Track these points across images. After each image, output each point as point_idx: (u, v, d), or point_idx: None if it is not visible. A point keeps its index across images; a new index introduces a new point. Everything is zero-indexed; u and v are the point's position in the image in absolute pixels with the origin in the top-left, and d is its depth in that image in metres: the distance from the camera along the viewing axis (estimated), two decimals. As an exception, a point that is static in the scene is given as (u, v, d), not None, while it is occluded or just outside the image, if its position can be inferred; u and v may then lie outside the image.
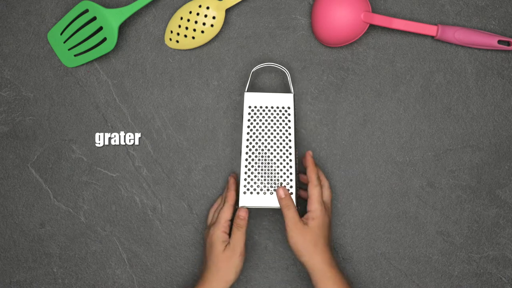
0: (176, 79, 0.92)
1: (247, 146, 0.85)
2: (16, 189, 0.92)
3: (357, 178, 0.91)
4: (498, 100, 0.91)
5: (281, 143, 0.85)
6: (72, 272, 0.91)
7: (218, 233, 0.83)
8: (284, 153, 0.85)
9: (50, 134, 0.92)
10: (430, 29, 0.89)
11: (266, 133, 0.86)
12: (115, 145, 0.92)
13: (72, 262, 0.91)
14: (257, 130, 0.86)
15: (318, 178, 0.84)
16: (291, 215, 0.81)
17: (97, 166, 0.92)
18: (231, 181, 0.88)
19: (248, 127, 0.86)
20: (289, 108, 0.86)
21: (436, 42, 0.92)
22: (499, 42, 0.90)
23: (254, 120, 0.86)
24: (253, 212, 0.91)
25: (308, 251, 0.81)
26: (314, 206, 0.82)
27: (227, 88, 0.92)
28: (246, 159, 0.85)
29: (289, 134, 0.86)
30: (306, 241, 0.81)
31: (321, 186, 0.84)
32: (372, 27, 0.92)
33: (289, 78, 0.88)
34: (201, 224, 0.91)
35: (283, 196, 0.83)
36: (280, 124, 0.86)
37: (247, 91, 0.87)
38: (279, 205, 0.84)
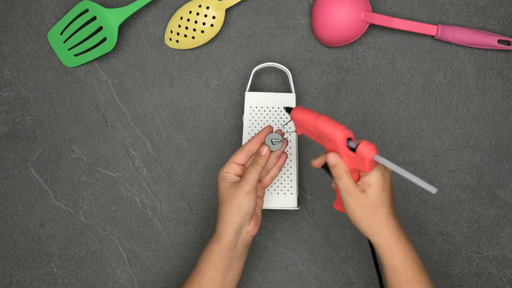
0: (176, 79, 0.92)
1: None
2: (16, 189, 0.92)
3: (357, 178, 0.91)
4: (498, 100, 0.91)
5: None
6: (72, 272, 0.91)
7: (221, 173, 0.78)
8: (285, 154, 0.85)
9: (50, 134, 0.92)
10: (430, 29, 0.89)
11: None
12: (115, 144, 0.92)
13: (72, 262, 0.91)
14: (258, 130, 0.86)
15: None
16: (343, 184, 0.70)
17: (97, 166, 0.92)
18: (263, 130, 0.78)
19: (249, 127, 0.86)
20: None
21: (436, 42, 0.92)
22: (499, 42, 0.90)
23: (255, 120, 0.86)
24: (253, 212, 0.91)
25: (368, 223, 0.70)
26: (367, 168, 0.69)
27: (227, 88, 0.92)
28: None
29: (290, 134, 0.86)
30: (365, 211, 0.69)
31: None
32: (372, 27, 0.92)
33: (290, 79, 0.88)
34: (201, 224, 0.91)
35: (333, 163, 0.70)
36: (281, 124, 0.86)
37: (248, 91, 0.87)
38: (279, 206, 0.84)
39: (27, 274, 0.91)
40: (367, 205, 0.70)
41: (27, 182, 0.92)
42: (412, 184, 0.91)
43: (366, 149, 0.67)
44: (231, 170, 0.78)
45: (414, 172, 0.91)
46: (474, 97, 0.92)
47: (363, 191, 0.70)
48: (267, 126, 0.79)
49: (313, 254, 0.91)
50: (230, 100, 0.92)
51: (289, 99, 0.87)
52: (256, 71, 0.92)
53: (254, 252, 0.91)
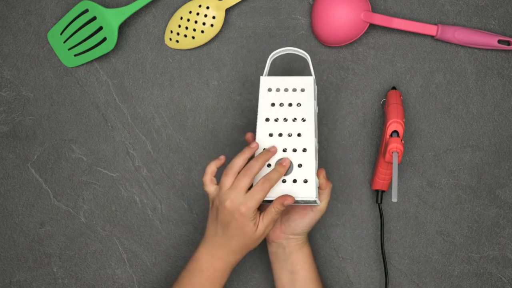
0: (176, 79, 0.92)
1: (263, 131, 0.78)
2: (16, 189, 0.92)
3: (357, 178, 0.91)
4: (498, 100, 0.91)
5: (299, 129, 0.78)
6: (72, 272, 0.91)
7: (253, 209, 0.73)
8: (301, 140, 0.78)
9: (50, 134, 0.92)
10: (430, 29, 0.89)
11: (283, 118, 0.79)
12: (115, 144, 0.92)
13: (72, 262, 0.91)
14: (273, 115, 0.79)
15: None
16: (327, 202, 0.81)
17: (97, 166, 0.92)
18: (253, 145, 0.77)
19: (266, 111, 0.79)
20: (309, 91, 0.79)
21: (436, 42, 0.92)
22: (499, 41, 0.90)
23: (272, 104, 0.79)
24: (253, 212, 0.91)
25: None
26: (327, 195, 0.81)
27: (227, 88, 0.92)
28: (263, 144, 0.78)
29: (308, 118, 0.78)
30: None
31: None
32: (372, 27, 0.92)
33: (309, 62, 0.82)
34: (201, 224, 0.91)
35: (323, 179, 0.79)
36: (299, 108, 0.79)
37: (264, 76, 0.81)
38: (297, 197, 0.76)
39: (27, 274, 0.91)
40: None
41: (27, 182, 0.92)
42: (412, 184, 0.91)
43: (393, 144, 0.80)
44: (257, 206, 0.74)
45: (414, 172, 0.91)
46: (474, 97, 0.92)
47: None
48: (253, 146, 0.77)
49: (313, 254, 0.91)
50: (230, 100, 0.92)
51: (308, 82, 0.80)
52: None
53: (254, 252, 0.91)
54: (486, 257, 0.90)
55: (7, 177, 0.92)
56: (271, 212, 0.75)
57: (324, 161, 0.91)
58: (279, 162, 0.76)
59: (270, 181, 0.74)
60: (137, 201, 0.92)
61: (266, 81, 0.80)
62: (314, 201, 0.77)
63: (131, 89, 0.92)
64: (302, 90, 0.80)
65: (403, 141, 0.83)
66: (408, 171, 0.91)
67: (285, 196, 0.74)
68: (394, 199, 0.76)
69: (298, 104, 0.79)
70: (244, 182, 0.74)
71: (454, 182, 0.91)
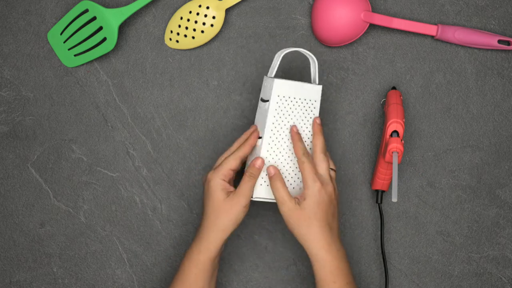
0: (176, 79, 0.92)
1: (270, 137, 0.80)
2: (16, 189, 0.92)
3: (357, 178, 0.91)
4: (498, 100, 0.91)
5: (303, 137, 0.81)
6: (72, 272, 0.91)
7: (217, 180, 0.77)
8: (307, 145, 0.81)
9: (50, 134, 0.92)
10: (430, 29, 0.89)
11: (290, 125, 0.81)
12: (115, 144, 0.92)
13: (72, 262, 0.91)
14: (282, 121, 0.80)
15: (306, 152, 0.77)
16: (279, 195, 0.76)
17: (97, 166, 0.92)
18: (253, 134, 0.80)
19: (274, 117, 0.80)
20: (315, 101, 0.82)
21: (436, 42, 0.92)
22: (499, 41, 0.90)
23: (281, 110, 0.80)
24: (253, 212, 0.91)
25: (300, 231, 0.76)
26: (306, 183, 0.76)
27: (227, 88, 0.92)
28: (268, 150, 0.80)
29: (308, 126, 0.82)
30: (298, 221, 0.75)
31: (310, 160, 0.77)
32: (372, 27, 0.92)
33: (316, 67, 0.82)
34: (201, 224, 0.92)
35: (271, 174, 0.77)
36: (305, 117, 0.82)
37: (274, 77, 0.81)
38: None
39: (27, 274, 0.91)
40: (300, 215, 0.75)
41: (27, 182, 0.92)
42: (412, 184, 0.91)
43: (393, 145, 0.80)
44: (226, 178, 0.78)
45: (414, 172, 0.91)
46: (474, 97, 0.92)
47: (298, 203, 0.76)
48: (255, 130, 0.80)
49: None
50: (230, 100, 0.92)
51: (316, 91, 0.81)
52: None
53: (254, 252, 0.91)
54: (486, 257, 0.90)
55: (7, 177, 0.92)
56: (246, 174, 0.78)
57: (324, 161, 0.91)
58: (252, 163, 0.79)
59: (236, 160, 0.78)
60: (137, 201, 0.92)
61: (278, 85, 0.80)
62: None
63: (131, 89, 0.92)
64: (311, 100, 0.82)
65: (403, 141, 0.83)
66: (408, 171, 0.91)
67: (256, 158, 0.78)
68: (394, 199, 0.76)
69: (306, 113, 0.82)
70: (219, 162, 0.81)
71: (454, 182, 0.91)
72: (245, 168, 0.81)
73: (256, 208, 0.91)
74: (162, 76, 0.93)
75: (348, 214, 0.91)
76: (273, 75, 0.82)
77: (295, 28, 0.92)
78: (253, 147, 0.81)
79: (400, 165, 0.91)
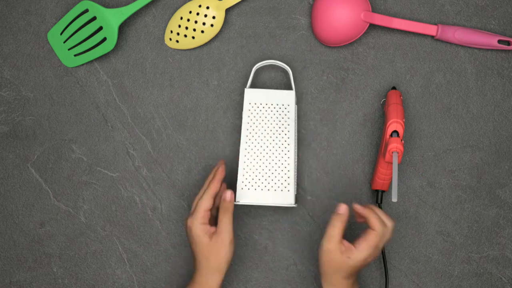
0: (176, 79, 0.92)
1: (246, 142, 0.85)
2: (16, 189, 0.92)
3: (357, 178, 0.91)
4: (498, 100, 0.91)
5: (280, 140, 0.85)
6: (72, 272, 0.92)
7: (197, 226, 0.78)
8: (282, 150, 0.85)
9: (50, 134, 0.92)
10: (430, 29, 0.89)
11: (265, 130, 0.85)
12: (115, 144, 0.92)
13: (72, 262, 0.92)
14: (256, 126, 0.86)
15: (381, 221, 0.79)
16: (332, 232, 0.78)
17: (97, 166, 0.92)
18: (220, 169, 0.82)
19: (248, 123, 0.86)
20: (289, 105, 0.86)
21: (436, 42, 0.92)
22: (499, 41, 0.90)
23: (254, 116, 0.86)
24: (253, 212, 0.91)
25: (326, 271, 0.79)
26: (369, 236, 0.78)
27: (227, 88, 0.92)
28: (245, 155, 0.85)
29: (288, 131, 0.86)
30: (329, 263, 0.78)
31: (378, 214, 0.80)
32: (372, 27, 0.92)
33: (291, 76, 0.88)
34: (201, 224, 0.92)
35: (340, 212, 0.79)
36: (280, 121, 0.86)
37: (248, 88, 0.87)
38: (275, 203, 0.83)
39: (27, 274, 0.91)
40: (333, 260, 0.78)
41: (27, 182, 0.92)
42: (412, 184, 0.91)
43: (393, 144, 0.80)
44: (205, 220, 0.79)
45: (414, 172, 0.91)
46: (474, 97, 0.92)
47: (341, 251, 0.77)
48: (222, 165, 0.83)
49: (313, 254, 0.91)
50: (230, 100, 0.92)
51: (289, 96, 0.86)
52: (257, 70, 0.92)
53: (254, 252, 0.91)
54: (486, 257, 0.90)
55: (7, 177, 0.92)
56: (221, 210, 0.79)
57: (324, 161, 0.91)
58: (223, 197, 0.80)
59: (208, 200, 0.80)
60: (137, 201, 0.92)
61: (249, 93, 0.86)
62: (292, 206, 0.85)
63: (131, 89, 0.92)
64: (284, 104, 0.86)
65: (403, 141, 0.83)
66: (408, 171, 0.91)
67: (224, 192, 0.80)
68: (394, 199, 0.76)
69: (280, 117, 0.86)
70: (194, 204, 0.81)
71: (454, 182, 0.91)
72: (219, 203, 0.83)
73: (256, 208, 0.91)
74: (162, 76, 0.93)
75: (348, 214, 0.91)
76: (247, 86, 0.88)
77: (295, 28, 0.92)
78: (222, 182, 0.84)
79: (400, 165, 0.91)
